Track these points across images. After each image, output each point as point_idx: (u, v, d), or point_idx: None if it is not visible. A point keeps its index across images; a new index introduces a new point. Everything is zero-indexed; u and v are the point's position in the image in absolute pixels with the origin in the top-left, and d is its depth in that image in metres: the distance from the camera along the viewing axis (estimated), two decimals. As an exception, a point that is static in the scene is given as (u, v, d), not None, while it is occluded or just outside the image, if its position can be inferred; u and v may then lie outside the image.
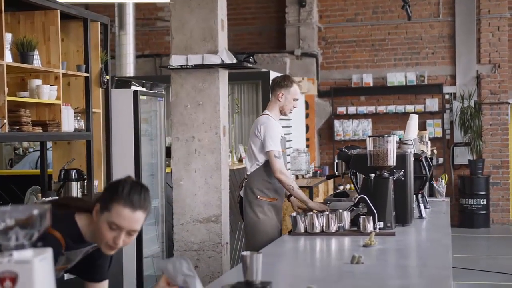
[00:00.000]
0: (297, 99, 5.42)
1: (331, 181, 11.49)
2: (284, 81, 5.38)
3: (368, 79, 12.92)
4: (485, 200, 12.31)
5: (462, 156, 12.65)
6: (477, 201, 12.29)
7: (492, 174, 12.62)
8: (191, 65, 5.96)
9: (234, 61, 6.04)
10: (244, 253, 2.75)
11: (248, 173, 5.34)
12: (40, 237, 2.28)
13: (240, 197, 5.45)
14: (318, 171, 11.47)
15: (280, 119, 5.50)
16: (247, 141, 9.91)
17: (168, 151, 6.61)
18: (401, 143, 5.13)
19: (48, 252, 1.83)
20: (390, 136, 4.46)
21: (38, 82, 5.12)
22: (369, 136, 4.50)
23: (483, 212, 12.32)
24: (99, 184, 5.96)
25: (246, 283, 2.75)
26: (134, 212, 2.53)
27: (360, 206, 4.52)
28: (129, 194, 2.54)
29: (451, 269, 3.26)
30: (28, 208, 1.80)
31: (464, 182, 12.42)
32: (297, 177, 10.09)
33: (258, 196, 5.24)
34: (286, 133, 10.72)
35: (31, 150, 9.14)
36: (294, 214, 4.40)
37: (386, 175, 4.44)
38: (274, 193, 5.26)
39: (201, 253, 5.79)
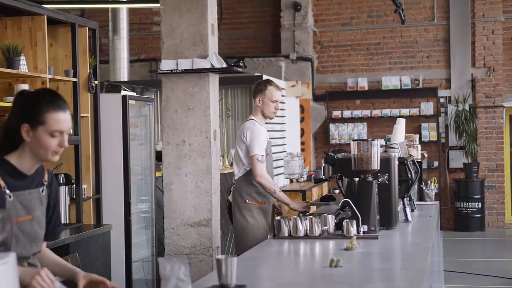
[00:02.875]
0: (275, 101, 5.47)
1: (325, 185, 11.51)
2: (259, 86, 5.53)
3: (363, 83, 12.94)
4: (480, 203, 12.32)
5: (457, 160, 12.65)
6: (472, 204, 12.30)
7: (487, 178, 12.63)
8: (181, 70, 5.99)
9: (224, 65, 6.06)
10: (219, 257, 2.77)
11: (236, 178, 5.42)
12: None
13: (229, 202, 5.49)
14: (313, 175, 11.48)
15: (272, 123, 5.58)
16: (239, 145, 9.95)
17: (159, 155, 6.63)
18: (387, 147, 5.14)
19: (11, 256, 1.85)
20: (374, 140, 4.47)
21: (25, 87, 5.13)
22: (353, 140, 4.52)
23: (478, 215, 12.33)
24: (87, 189, 5.97)
25: (221, 286, 2.77)
26: (65, 113, 2.72)
27: (345, 210, 4.53)
28: (53, 101, 2.69)
29: (430, 272, 3.26)
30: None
31: (459, 186, 12.43)
32: (291, 181, 10.11)
33: (247, 200, 5.32)
34: (281, 136, 10.76)
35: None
36: (278, 218, 4.41)
37: (370, 178, 4.45)
38: (262, 197, 5.32)
39: (192, 257, 5.80)
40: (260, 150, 5.24)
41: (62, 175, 5.56)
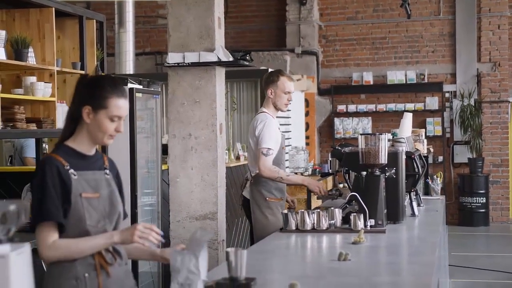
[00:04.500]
0: (288, 92, 5.31)
1: (330, 179, 11.51)
2: (270, 77, 5.35)
3: (368, 77, 12.93)
4: (484, 198, 12.32)
5: (462, 155, 12.65)
6: (476, 199, 12.30)
7: (492, 173, 12.62)
8: (188, 63, 5.98)
9: (231, 59, 6.05)
10: (229, 249, 2.78)
11: (253, 174, 5.28)
12: (43, 160, 2.76)
13: (244, 198, 5.38)
14: (318, 169, 11.48)
15: (279, 116, 5.50)
16: (245, 138, 9.98)
17: (165, 149, 6.63)
18: (394, 141, 5.13)
19: (26, 247, 1.86)
20: (381, 134, 4.47)
21: (32, 79, 5.14)
22: (361, 134, 4.51)
23: (483, 210, 12.33)
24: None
25: (231, 279, 2.77)
26: (126, 100, 2.86)
27: (352, 204, 4.53)
28: (116, 87, 2.84)
29: (438, 266, 3.27)
30: (4, 204, 1.83)
31: (463, 181, 12.42)
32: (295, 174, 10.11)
33: (267, 198, 5.21)
34: (285, 130, 10.76)
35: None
36: (285, 211, 4.42)
37: (377, 173, 4.45)
38: (281, 193, 5.25)
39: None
40: (267, 143, 5.13)
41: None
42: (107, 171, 2.96)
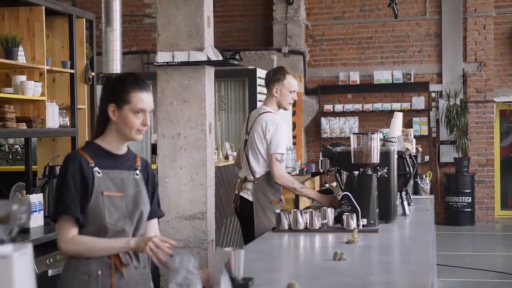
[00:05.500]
0: (293, 91, 5.15)
1: (317, 179, 11.52)
2: (276, 75, 5.16)
3: (355, 77, 12.96)
4: (470, 197, 12.39)
5: (448, 154, 12.71)
6: (462, 198, 12.36)
7: (478, 172, 12.70)
8: (177, 62, 5.96)
9: (220, 58, 6.04)
10: (227, 249, 2.77)
11: (257, 176, 5.09)
12: (68, 155, 2.83)
13: (241, 199, 5.19)
14: (305, 169, 11.50)
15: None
16: (233, 138, 9.97)
17: (154, 148, 6.60)
18: (385, 140, 5.14)
19: (28, 247, 1.84)
20: (374, 133, 4.47)
21: (22, 78, 5.10)
22: (353, 134, 4.51)
23: (468, 209, 12.40)
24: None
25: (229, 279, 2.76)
26: (148, 94, 2.93)
27: (344, 203, 4.53)
28: (137, 82, 2.91)
29: (431, 265, 3.28)
30: (7, 204, 1.81)
31: (449, 180, 12.49)
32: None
33: (272, 201, 5.08)
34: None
35: (16, 146, 9.09)
36: (278, 211, 4.41)
37: (369, 172, 4.46)
38: (280, 195, 5.18)
39: (186, 250, 5.80)
40: (281, 148, 4.97)
41: (59, 167, 5.52)
42: (138, 172, 2.98)
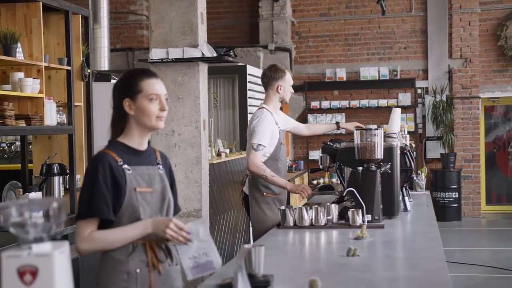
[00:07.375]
0: (291, 84, 5.49)
1: (305, 175, 11.54)
2: (277, 73, 5.36)
3: (341, 74, 12.97)
4: (456, 193, 12.46)
5: (434, 150, 12.78)
6: (449, 194, 12.43)
7: (464, 168, 12.78)
8: (172, 59, 5.92)
9: (215, 54, 6.02)
10: (247, 246, 2.75)
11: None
12: (96, 156, 2.82)
13: (244, 194, 5.36)
14: (294, 166, 11.51)
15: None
16: (224, 135, 9.94)
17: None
18: (386, 136, 5.14)
19: (66, 245, 1.81)
20: (377, 129, 4.47)
21: (20, 75, 5.03)
22: (357, 129, 4.51)
23: (455, 205, 12.47)
24: (81, 179, 5.89)
25: (249, 275, 2.74)
26: (157, 79, 2.93)
27: (346, 199, 4.53)
28: (143, 71, 2.94)
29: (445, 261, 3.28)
30: (46, 201, 1.78)
31: (436, 176, 12.55)
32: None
33: (264, 193, 5.21)
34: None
35: (3, 145, 9.01)
36: (283, 207, 4.40)
37: (373, 168, 4.46)
38: (279, 188, 5.23)
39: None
40: (260, 139, 5.10)
41: (57, 165, 5.48)
42: (160, 167, 2.97)
